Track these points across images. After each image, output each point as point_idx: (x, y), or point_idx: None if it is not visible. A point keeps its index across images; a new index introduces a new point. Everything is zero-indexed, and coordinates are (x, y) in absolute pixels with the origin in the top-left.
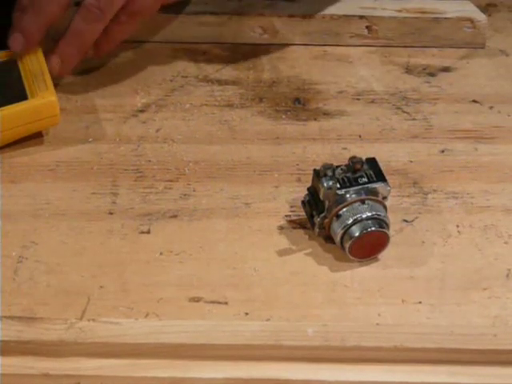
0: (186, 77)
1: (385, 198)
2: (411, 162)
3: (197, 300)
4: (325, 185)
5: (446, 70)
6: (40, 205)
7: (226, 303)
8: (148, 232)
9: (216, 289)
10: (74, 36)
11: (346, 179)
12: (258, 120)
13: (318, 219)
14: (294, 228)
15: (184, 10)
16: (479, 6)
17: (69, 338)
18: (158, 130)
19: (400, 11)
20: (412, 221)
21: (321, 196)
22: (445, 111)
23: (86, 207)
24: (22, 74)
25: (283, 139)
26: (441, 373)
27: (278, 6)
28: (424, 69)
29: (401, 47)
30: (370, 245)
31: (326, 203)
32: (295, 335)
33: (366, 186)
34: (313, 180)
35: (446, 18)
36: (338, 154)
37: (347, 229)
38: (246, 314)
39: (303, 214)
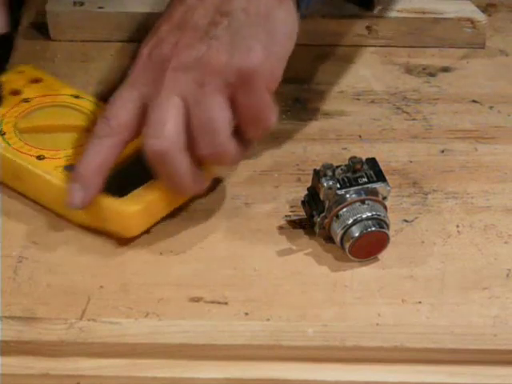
0: None
1: (385, 198)
2: (411, 162)
3: (197, 300)
4: (325, 185)
5: (446, 70)
6: (40, 205)
7: (226, 303)
8: (148, 232)
9: (216, 289)
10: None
11: (346, 179)
12: None
13: (318, 219)
14: (294, 228)
15: None
16: (479, 6)
17: (69, 338)
18: None
19: (400, 11)
20: (412, 221)
21: (321, 196)
22: (445, 111)
23: None
24: None
25: (283, 139)
26: (441, 373)
27: None
28: (424, 69)
29: (401, 47)
30: (369, 245)
31: (326, 203)
32: (295, 335)
33: (366, 186)
34: (313, 180)
35: (445, 18)
36: (338, 154)
37: (347, 229)
38: (246, 314)
39: (303, 213)
